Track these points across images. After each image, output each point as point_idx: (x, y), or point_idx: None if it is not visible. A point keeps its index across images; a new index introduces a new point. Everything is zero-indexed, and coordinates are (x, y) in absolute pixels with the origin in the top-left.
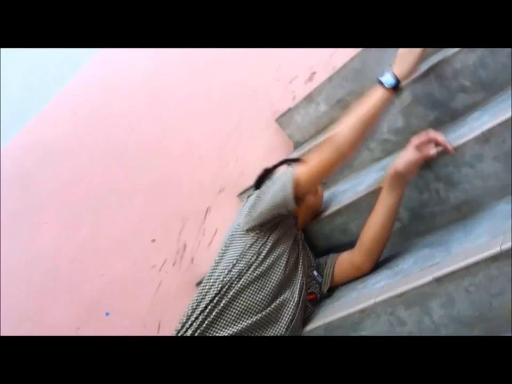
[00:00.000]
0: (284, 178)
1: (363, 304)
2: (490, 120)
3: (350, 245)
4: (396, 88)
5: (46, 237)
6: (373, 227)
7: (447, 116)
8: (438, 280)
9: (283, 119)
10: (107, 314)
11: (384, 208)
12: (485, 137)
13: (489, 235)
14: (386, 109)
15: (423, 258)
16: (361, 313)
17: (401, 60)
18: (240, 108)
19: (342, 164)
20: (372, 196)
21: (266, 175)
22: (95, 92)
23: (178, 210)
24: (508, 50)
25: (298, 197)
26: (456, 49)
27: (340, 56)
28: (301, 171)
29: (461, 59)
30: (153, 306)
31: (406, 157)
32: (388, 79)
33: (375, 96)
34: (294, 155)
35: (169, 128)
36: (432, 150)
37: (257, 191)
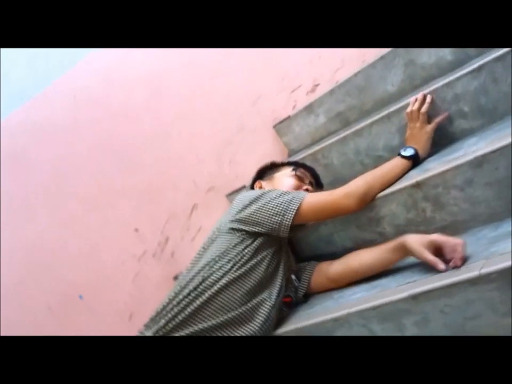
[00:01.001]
0: (288, 206)
1: (337, 313)
2: (485, 147)
3: (333, 256)
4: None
5: (33, 216)
6: (359, 265)
7: (444, 139)
8: (414, 298)
9: (281, 127)
10: (81, 297)
11: (378, 259)
12: (478, 162)
13: (471, 259)
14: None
15: (401, 275)
16: (334, 322)
17: (417, 141)
18: (241, 111)
19: (345, 213)
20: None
21: (271, 168)
22: (97, 83)
23: (167, 204)
24: (510, 79)
25: (294, 225)
26: (459, 74)
27: (345, 72)
28: (307, 203)
29: (463, 84)
30: (128, 294)
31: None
32: (408, 151)
33: (395, 163)
34: (300, 159)
35: (169, 125)
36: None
37: (253, 192)
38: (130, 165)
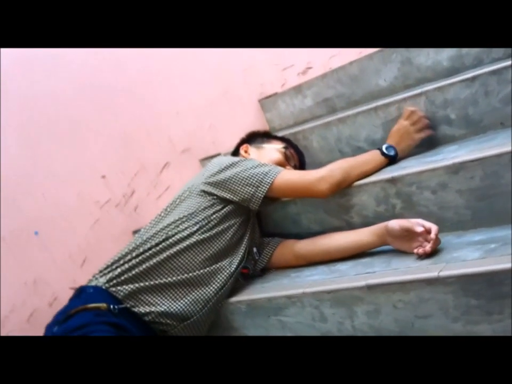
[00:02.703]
0: (263, 179)
1: (292, 290)
2: (465, 155)
3: (296, 236)
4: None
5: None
6: (332, 246)
7: (425, 142)
8: (370, 288)
9: (266, 102)
10: (36, 233)
11: (352, 242)
12: (455, 169)
13: (431, 261)
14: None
15: (362, 265)
16: (288, 299)
17: (401, 141)
18: (229, 79)
19: (316, 196)
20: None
21: (262, 137)
22: None
23: (138, 157)
24: (502, 94)
25: (265, 199)
26: (453, 80)
27: (340, 59)
28: (281, 179)
29: (455, 91)
30: (84, 239)
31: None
32: (390, 151)
33: (373, 157)
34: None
35: (154, 75)
36: (420, 228)
37: (230, 158)
38: (108, 108)
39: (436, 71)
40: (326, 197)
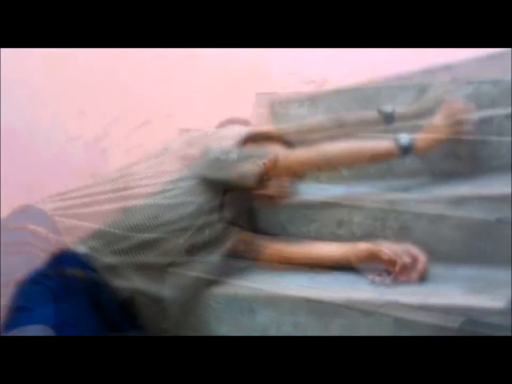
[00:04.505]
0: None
1: (270, 293)
2: (468, 190)
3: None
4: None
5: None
6: (316, 253)
7: (429, 172)
8: (350, 303)
9: (276, 108)
10: None
11: (337, 255)
12: (457, 202)
13: (415, 288)
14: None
15: (345, 280)
16: (265, 299)
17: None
18: (241, 81)
19: (315, 171)
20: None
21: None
22: None
23: (123, 104)
24: None
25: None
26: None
27: (357, 79)
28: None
29: None
30: (42, 167)
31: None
32: (404, 139)
33: (383, 143)
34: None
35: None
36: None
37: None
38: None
39: None
40: (334, 168)
